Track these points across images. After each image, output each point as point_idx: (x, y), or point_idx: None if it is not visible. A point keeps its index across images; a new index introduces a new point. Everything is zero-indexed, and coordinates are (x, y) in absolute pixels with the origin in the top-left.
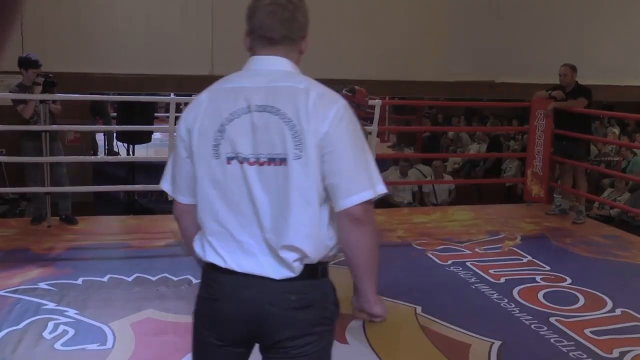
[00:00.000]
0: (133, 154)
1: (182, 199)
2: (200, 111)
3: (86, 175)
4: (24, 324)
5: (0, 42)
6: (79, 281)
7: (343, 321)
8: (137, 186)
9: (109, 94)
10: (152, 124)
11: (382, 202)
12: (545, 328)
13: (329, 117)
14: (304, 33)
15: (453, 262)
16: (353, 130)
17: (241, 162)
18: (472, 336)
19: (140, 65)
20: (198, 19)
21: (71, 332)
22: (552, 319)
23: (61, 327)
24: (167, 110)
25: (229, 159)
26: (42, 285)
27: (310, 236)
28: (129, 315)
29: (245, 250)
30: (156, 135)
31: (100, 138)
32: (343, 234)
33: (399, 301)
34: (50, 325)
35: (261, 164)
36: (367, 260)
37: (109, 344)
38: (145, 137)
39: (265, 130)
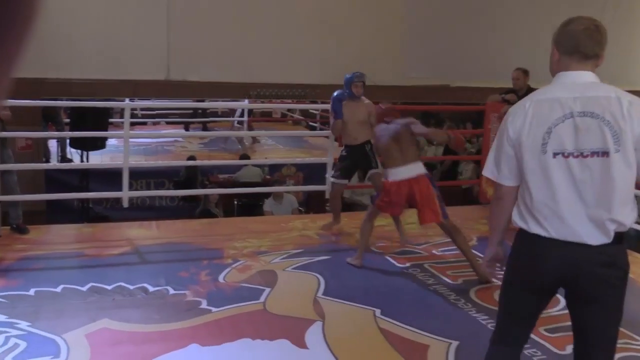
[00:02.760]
0: (87, 161)
1: (507, 182)
2: (527, 117)
3: (38, 183)
4: None
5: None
6: (31, 292)
7: (303, 326)
8: (90, 193)
9: (61, 100)
10: (107, 130)
11: (342, 207)
12: None
13: None
14: (604, 52)
15: (411, 265)
16: None
17: (566, 157)
18: (430, 337)
19: (93, 70)
20: (153, 23)
21: (23, 345)
22: None
23: (12, 340)
24: (123, 116)
25: (555, 154)
26: None
27: (626, 211)
28: (83, 325)
29: (565, 223)
30: (111, 142)
31: (52, 145)
32: None
33: (358, 304)
34: (1, 338)
35: (585, 157)
36: None
37: (63, 356)
38: (100, 144)
39: (587, 131)
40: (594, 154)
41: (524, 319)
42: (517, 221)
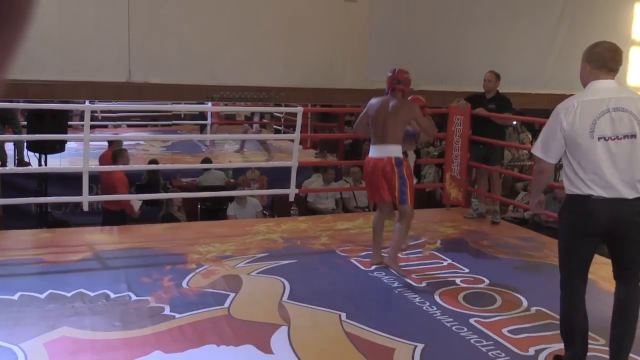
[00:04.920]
0: (45, 165)
1: (551, 160)
2: (577, 113)
3: None
4: None
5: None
6: None
7: (268, 331)
8: (49, 198)
9: (18, 102)
10: (66, 133)
11: (305, 210)
12: (466, 329)
13: None
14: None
15: (376, 268)
16: None
17: (606, 140)
18: (396, 340)
19: (51, 71)
20: (114, 23)
21: None
22: (471, 320)
23: None
24: (82, 119)
25: (599, 138)
26: None
27: None
28: (42, 334)
29: (611, 186)
30: (71, 145)
31: (9, 148)
32: None
33: (323, 308)
34: None
35: (619, 139)
36: None
37: None
38: (58, 147)
39: (620, 121)
40: (625, 137)
41: (583, 261)
42: (569, 187)
